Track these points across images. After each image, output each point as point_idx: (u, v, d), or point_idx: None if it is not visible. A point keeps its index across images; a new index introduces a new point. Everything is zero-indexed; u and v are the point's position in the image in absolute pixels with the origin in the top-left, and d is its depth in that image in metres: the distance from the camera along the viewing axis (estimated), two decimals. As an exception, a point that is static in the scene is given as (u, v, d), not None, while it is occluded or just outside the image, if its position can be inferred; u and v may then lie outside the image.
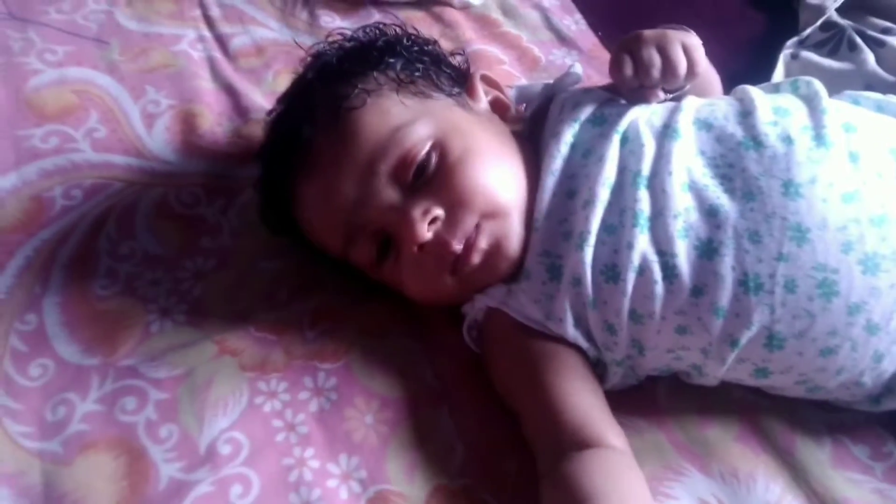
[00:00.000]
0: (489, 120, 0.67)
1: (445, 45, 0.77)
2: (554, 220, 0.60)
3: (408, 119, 0.62)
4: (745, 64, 0.91)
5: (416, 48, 0.69)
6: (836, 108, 0.61)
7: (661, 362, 0.61)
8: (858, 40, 0.90)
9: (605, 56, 0.96)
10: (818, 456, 0.60)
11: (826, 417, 0.63)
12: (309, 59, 0.71)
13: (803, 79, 0.65)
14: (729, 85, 0.71)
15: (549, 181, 0.61)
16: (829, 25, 0.94)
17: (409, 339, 0.67)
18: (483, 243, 0.60)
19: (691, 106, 0.63)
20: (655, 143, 0.60)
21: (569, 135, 0.63)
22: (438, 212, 0.60)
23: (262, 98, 0.86)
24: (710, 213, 0.57)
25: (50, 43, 0.88)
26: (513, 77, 0.92)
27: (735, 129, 0.60)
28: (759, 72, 0.88)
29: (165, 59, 0.89)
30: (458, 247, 0.60)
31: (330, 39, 0.72)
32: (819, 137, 0.58)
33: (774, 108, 0.61)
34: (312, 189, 0.63)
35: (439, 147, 0.61)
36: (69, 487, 0.56)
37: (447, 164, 0.61)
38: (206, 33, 0.94)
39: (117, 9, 0.95)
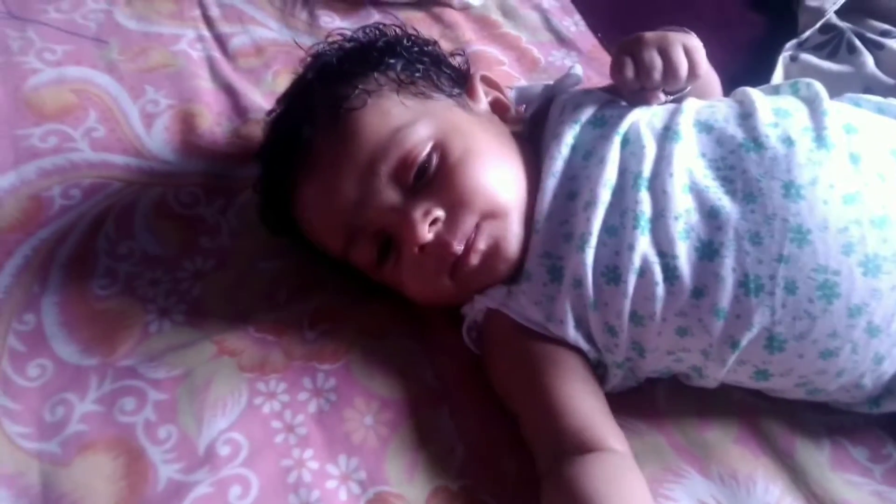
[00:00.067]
0: (489, 121, 0.67)
1: (445, 45, 0.77)
2: (555, 222, 0.60)
3: (408, 120, 0.62)
4: (744, 66, 0.91)
5: (416, 49, 0.69)
6: (837, 110, 0.61)
7: (661, 364, 0.61)
8: (857, 43, 0.90)
9: (605, 57, 0.96)
10: (817, 458, 0.60)
11: (825, 419, 0.63)
12: (309, 59, 0.71)
13: (803, 81, 0.65)
14: (728, 87, 0.71)
15: (550, 183, 0.61)
16: (828, 28, 0.94)
17: (409, 339, 0.67)
18: (482, 244, 0.60)
19: (692, 108, 0.63)
20: (656, 144, 0.60)
21: (569, 136, 0.63)
22: (439, 213, 0.60)
23: (262, 98, 0.86)
24: (710, 215, 0.57)
25: (49, 42, 0.88)
26: (512, 78, 0.92)
27: (735, 131, 0.60)
28: (758, 74, 0.88)
29: (165, 58, 0.89)
30: (458, 248, 0.60)
31: (330, 40, 0.72)
32: (820, 139, 0.58)
33: (775, 109, 0.61)
34: (313, 190, 0.63)
35: (440, 148, 0.61)
36: (68, 488, 0.56)
37: (448, 164, 0.61)
38: (206, 33, 0.94)
39: (116, 8, 0.95)
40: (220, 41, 0.94)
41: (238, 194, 0.76)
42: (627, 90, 0.62)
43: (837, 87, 0.65)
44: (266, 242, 0.72)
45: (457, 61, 0.74)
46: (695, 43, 0.60)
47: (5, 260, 0.68)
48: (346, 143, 0.61)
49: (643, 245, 0.57)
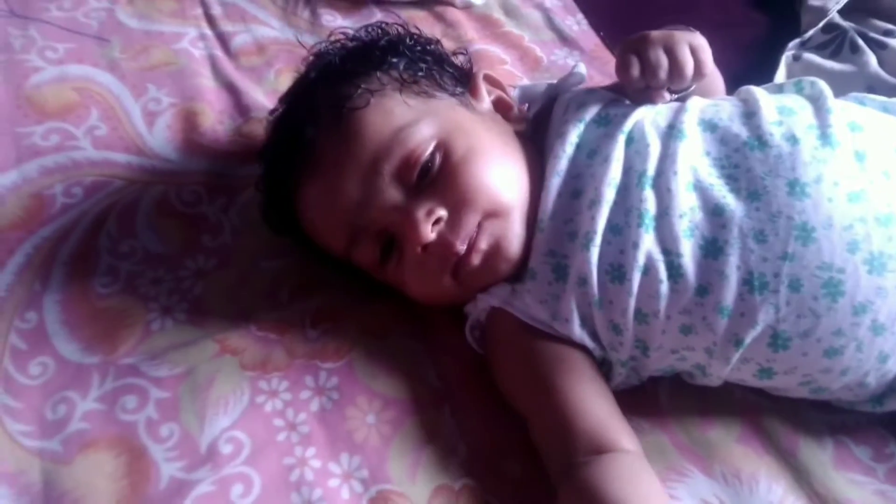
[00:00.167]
0: (492, 119, 0.67)
1: (447, 44, 0.77)
2: (559, 220, 0.60)
3: (411, 119, 0.62)
4: (747, 65, 0.91)
5: (418, 48, 0.69)
6: (842, 108, 0.60)
7: (664, 363, 0.61)
8: (860, 42, 0.90)
9: (607, 56, 0.96)
10: (820, 457, 0.60)
11: (828, 418, 0.63)
12: (311, 58, 0.71)
13: (807, 79, 0.65)
14: (731, 86, 0.71)
15: (555, 181, 0.61)
16: (830, 27, 0.93)
17: (412, 339, 0.66)
18: (483, 244, 0.60)
19: (696, 106, 0.63)
20: (661, 143, 0.60)
21: (574, 135, 0.63)
22: (442, 212, 0.60)
23: (264, 97, 0.86)
24: (715, 213, 0.57)
25: (51, 40, 0.88)
26: (514, 77, 0.92)
27: (740, 130, 0.60)
28: (761, 73, 0.88)
29: (166, 57, 0.89)
30: (461, 247, 0.60)
31: (332, 39, 0.72)
32: (825, 136, 0.58)
33: (779, 107, 0.61)
34: (315, 189, 0.63)
35: (443, 147, 0.61)
36: (69, 486, 0.55)
37: (451, 164, 0.60)
38: (208, 31, 0.94)
39: (118, 6, 0.95)
40: (222, 39, 0.93)
41: (240, 193, 0.76)
42: (632, 89, 0.62)
43: (840, 86, 0.65)
44: (268, 241, 0.72)
45: (459, 60, 0.74)
46: (700, 42, 0.60)
47: (7, 258, 0.68)
48: (348, 143, 0.61)
49: (647, 243, 0.57)
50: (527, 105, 0.72)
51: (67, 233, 0.71)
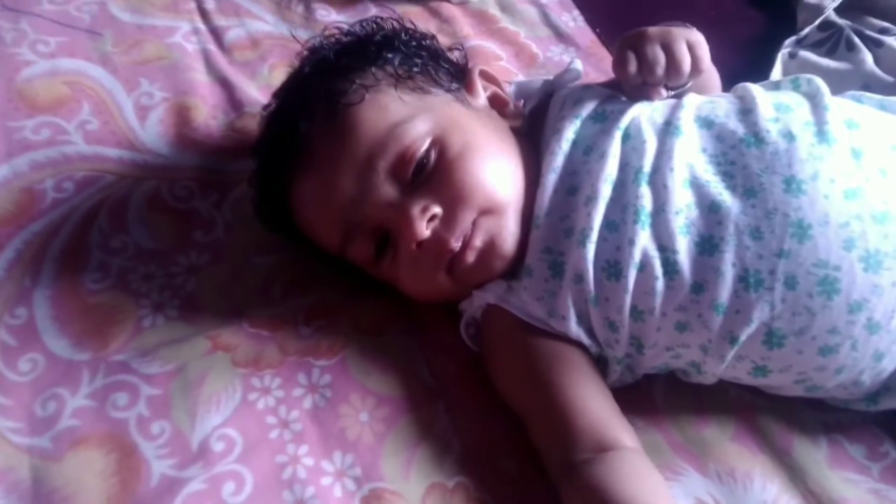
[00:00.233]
0: (488, 116, 0.67)
1: (443, 40, 0.76)
2: (555, 217, 0.60)
3: (406, 115, 0.61)
4: (742, 63, 0.90)
5: (413, 43, 0.69)
6: (839, 105, 0.60)
7: (659, 360, 0.61)
8: (856, 40, 0.90)
9: (603, 53, 0.96)
10: (815, 456, 0.60)
11: (823, 417, 0.63)
12: (305, 53, 0.70)
13: (804, 76, 0.65)
14: (727, 83, 0.71)
15: (551, 178, 0.61)
16: (827, 25, 0.93)
17: (406, 336, 0.66)
18: (478, 241, 0.60)
19: (692, 103, 0.63)
20: (657, 139, 0.60)
21: (570, 132, 0.62)
22: (437, 209, 0.59)
23: (257, 92, 0.85)
24: (711, 210, 0.56)
25: (42, 34, 0.87)
26: (510, 73, 0.92)
27: (736, 126, 0.59)
28: (757, 71, 0.88)
29: (159, 51, 0.88)
30: (456, 244, 0.59)
31: (326, 33, 0.71)
32: (821, 133, 0.58)
33: (776, 104, 0.60)
34: (310, 186, 0.63)
35: (439, 143, 0.61)
36: (59, 483, 0.55)
37: (446, 160, 0.60)
38: (201, 26, 0.94)
39: (110, 0, 0.94)
40: (216, 34, 0.93)
41: (233, 188, 0.75)
42: (629, 85, 0.62)
43: (836, 84, 0.65)
44: (261, 237, 0.71)
45: (455, 56, 0.73)
46: (698, 38, 0.60)
47: (-3, 253, 0.67)
48: (343, 139, 0.61)
49: (643, 240, 0.56)
50: (522, 101, 0.72)
51: (58, 228, 0.70)
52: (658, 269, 0.56)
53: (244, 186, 0.72)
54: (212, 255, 0.71)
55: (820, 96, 0.61)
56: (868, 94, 0.65)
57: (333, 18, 0.96)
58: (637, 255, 0.56)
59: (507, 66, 0.93)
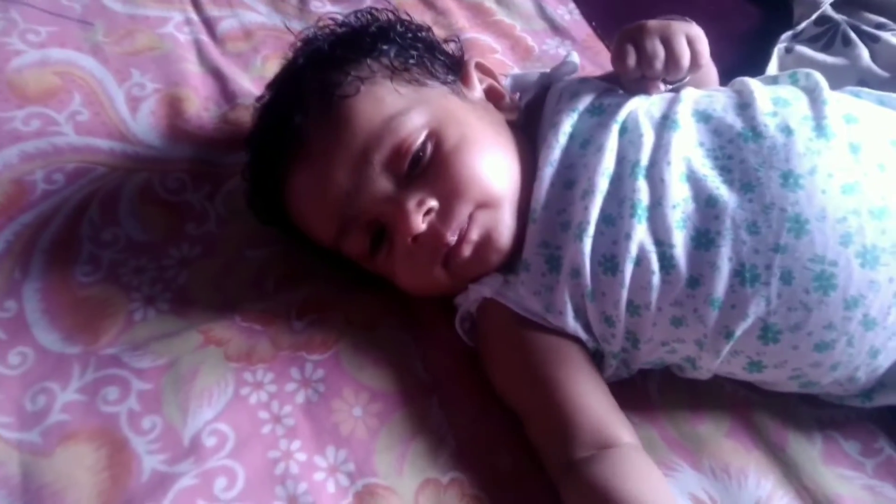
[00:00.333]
0: (484, 108, 0.66)
1: (438, 32, 0.76)
2: (552, 211, 0.60)
3: (402, 108, 0.61)
4: (739, 57, 0.90)
5: (409, 35, 0.68)
6: (837, 100, 0.60)
7: (654, 355, 0.60)
8: (853, 35, 0.90)
9: (599, 47, 0.96)
10: (809, 452, 0.60)
11: (817, 413, 0.63)
12: (299, 44, 0.69)
13: (802, 71, 0.64)
14: (724, 78, 0.71)
15: (548, 171, 0.60)
16: (823, 20, 0.93)
17: (400, 330, 0.66)
18: (474, 235, 0.59)
19: (690, 97, 0.62)
20: (654, 133, 0.60)
21: (567, 125, 0.62)
22: (433, 203, 0.59)
23: (250, 83, 0.84)
24: (708, 204, 0.56)
25: (32, 23, 0.86)
26: (506, 66, 0.91)
27: (734, 121, 0.59)
28: (753, 65, 0.88)
29: (151, 41, 0.87)
30: (451, 238, 0.59)
31: (321, 24, 0.70)
32: (819, 128, 0.57)
33: (774, 98, 0.60)
34: (304, 179, 0.62)
35: (435, 136, 0.60)
36: (48, 479, 0.54)
37: (442, 153, 0.60)
38: (194, 16, 0.93)
39: (102, -10, 0.93)
40: (208, 24, 0.92)
41: (226, 181, 0.75)
42: (628, 79, 0.62)
43: (833, 79, 0.65)
44: (254, 230, 0.71)
45: (451, 48, 0.72)
46: (697, 32, 0.60)
47: (-14, 245, 0.67)
48: (338, 132, 0.60)
49: (640, 234, 0.56)
50: (518, 94, 0.72)
51: (48, 220, 0.69)
52: (654, 264, 0.56)
53: (237, 179, 0.72)
54: (204, 248, 0.70)
55: (818, 91, 0.60)
56: (867, 90, 0.65)
57: (328, 9, 0.96)
58: (634, 250, 0.56)
59: (502, 59, 0.93)
